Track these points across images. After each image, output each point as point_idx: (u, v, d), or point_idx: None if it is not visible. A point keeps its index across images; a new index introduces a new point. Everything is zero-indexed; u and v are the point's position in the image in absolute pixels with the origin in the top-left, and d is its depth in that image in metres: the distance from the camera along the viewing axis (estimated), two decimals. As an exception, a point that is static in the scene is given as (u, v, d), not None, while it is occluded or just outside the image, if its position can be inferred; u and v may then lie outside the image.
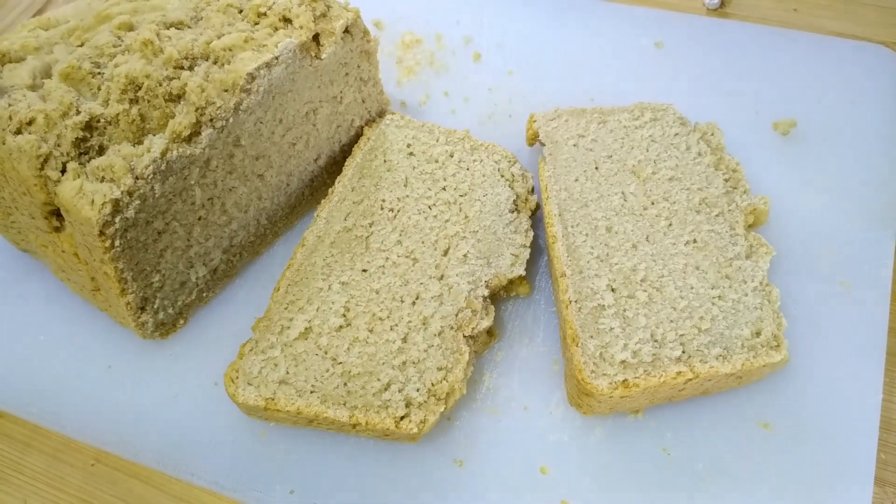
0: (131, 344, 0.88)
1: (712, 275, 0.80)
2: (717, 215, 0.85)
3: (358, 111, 0.97)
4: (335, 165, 0.99)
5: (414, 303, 0.81)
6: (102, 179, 0.71)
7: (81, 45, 0.81)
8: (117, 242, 0.73)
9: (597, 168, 0.89)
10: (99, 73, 0.77)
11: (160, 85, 0.75)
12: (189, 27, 0.82)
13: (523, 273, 0.85)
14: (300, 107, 0.87)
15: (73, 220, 0.74)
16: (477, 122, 1.06)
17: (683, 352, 0.75)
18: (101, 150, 0.74)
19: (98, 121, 0.74)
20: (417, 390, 0.76)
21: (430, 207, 0.89)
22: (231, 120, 0.78)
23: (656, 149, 0.91)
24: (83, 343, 0.88)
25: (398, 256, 0.85)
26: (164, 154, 0.73)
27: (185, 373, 0.86)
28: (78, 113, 0.73)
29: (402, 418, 0.74)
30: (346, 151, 0.99)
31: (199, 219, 0.83)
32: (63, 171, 0.72)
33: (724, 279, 0.80)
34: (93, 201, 0.70)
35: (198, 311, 0.90)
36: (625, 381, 0.73)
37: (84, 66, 0.77)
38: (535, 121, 0.95)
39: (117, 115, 0.74)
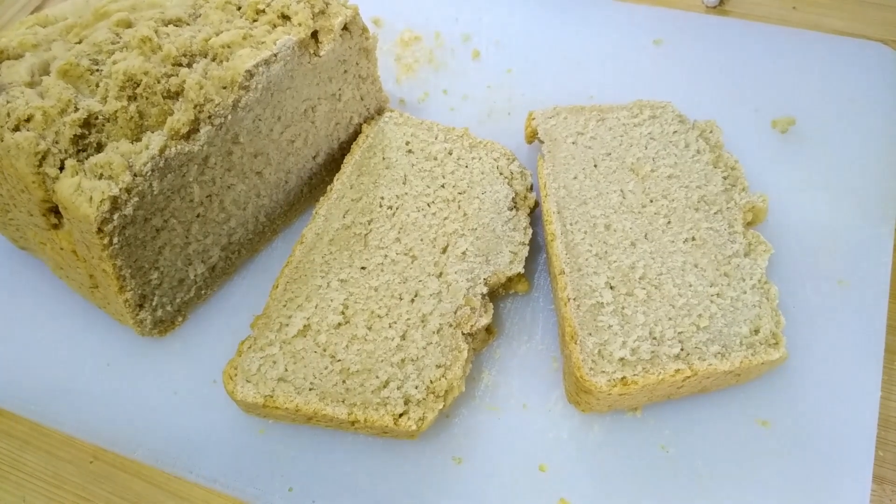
0: (130, 341, 0.88)
1: (711, 272, 0.80)
2: (715, 213, 0.85)
3: (357, 108, 0.97)
4: (334, 163, 0.99)
5: (413, 300, 0.81)
6: (101, 176, 0.71)
7: (80, 43, 0.81)
8: (115, 239, 0.73)
9: (595, 166, 0.89)
10: (97, 70, 0.77)
11: (158, 82, 0.75)
12: (187, 24, 0.82)
13: (522, 271, 0.85)
14: (299, 104, 0.87)
15: (71, 218, 0.74)
16: (476, 119, 1.06)
17: (682, 349, 0.75)
18: (100, 147, 0.74)
19: (96, 118, 0.74)
20: (416, 388, 0.76)
21: (428, 205, 0.89)
22: (229, 117, 0.78)
23: (655, 146, 0.91)
24: (82, 341, 0.88)
25: (397, 254, 0.85)
26: (162, 151, 0.73)
27: (184, 370, 0.86)
28: (76, 110, 0.73)
29: (400, 415, 0.74)
30: (344, 149, 0.99)
31: (198, 216, 0.83)
32: (61, 168, 0.72)
33: (722, 277, 0.80)
34: (91, 198, 0.70)
35: (196, 309, 0.90)
36: (623, 378, 0.73)
37: (82, 63, 0.76)
38: (533, 118, 0.95)
39: (115, 112, 0.74)
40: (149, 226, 0.77)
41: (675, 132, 0.92)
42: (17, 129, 0.73)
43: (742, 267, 0.81)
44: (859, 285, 0.86)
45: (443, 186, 0.90)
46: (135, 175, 0.72)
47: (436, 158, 0.93)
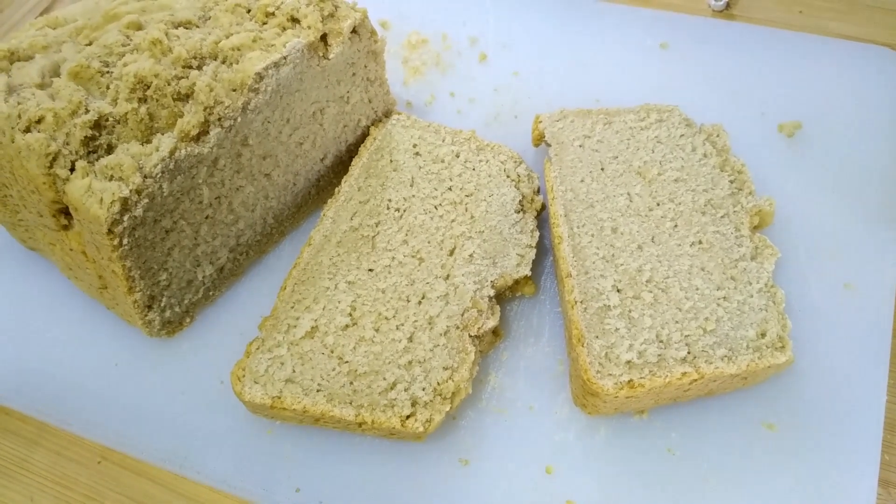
0: (138, 342, 0.88)
1: (717, 276, 0.80)
2: (722, 216, 0.85)
3: (364, 111, 0.97)
4: (342, 165, 0.99)
5: (420, 302, 0.81)
6: (111, 178, 0.71)
7: (90, 44, 0.81)
8: (125, 241, 0.73)
9: (602, 169, 0.90)
10: (108, 72, 0.77)
11: (169, 84, 0.75)
12: (197, 27, 0.82)
13: (529, 273, 0.85)
14: (307, 106, 0.87)
15: (81, 219, 0.74)
16: (483, 122, 1.06)
17: (689, 352, 0.75)
18: (110, 149, 0.74)
19: (107, 119, 0.74)
20: (423, 389, 0.76)
21: (435, 207, 0.89)
22: (239, 119, 0.78)
23: (662, 150, 0.91)
24: (90, 341, 0.89)
25: (404, 256, 0.85)
26: (172, 153, 0.73)
27: (192, 371, 0.86)
28: (87, 111, 0.74)
29: (407, 417, 0.74)
30: (352, 151, 0.99)
31: (207, 217, 0.83)
32: (72, 170, 0.72)
33: (729, 280, 0.80)
34: (101, 200, 0.70)
35: (204, 310, 0.91)
36: (630, 381, 0.73)
37: (93, 65, 0.77)
38: (540, 121, 0.95)
39: (126, 113, 0.74)
40: (158, 227, 0.77)
41: (682, 136, 0.93)
42: (28, 130, 0.73)
43: (748, 270, 0.81)
44: (865, 289, 0.86)
45: (450, 189, 0.90)
46: (145, 177, 0.72)
47: (443, 161, 0.93)
